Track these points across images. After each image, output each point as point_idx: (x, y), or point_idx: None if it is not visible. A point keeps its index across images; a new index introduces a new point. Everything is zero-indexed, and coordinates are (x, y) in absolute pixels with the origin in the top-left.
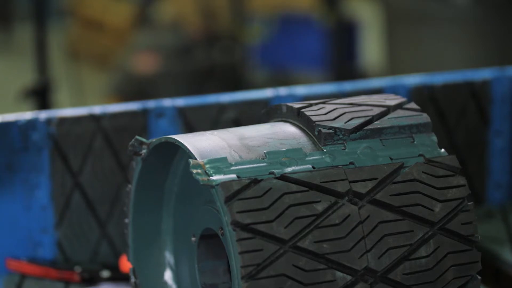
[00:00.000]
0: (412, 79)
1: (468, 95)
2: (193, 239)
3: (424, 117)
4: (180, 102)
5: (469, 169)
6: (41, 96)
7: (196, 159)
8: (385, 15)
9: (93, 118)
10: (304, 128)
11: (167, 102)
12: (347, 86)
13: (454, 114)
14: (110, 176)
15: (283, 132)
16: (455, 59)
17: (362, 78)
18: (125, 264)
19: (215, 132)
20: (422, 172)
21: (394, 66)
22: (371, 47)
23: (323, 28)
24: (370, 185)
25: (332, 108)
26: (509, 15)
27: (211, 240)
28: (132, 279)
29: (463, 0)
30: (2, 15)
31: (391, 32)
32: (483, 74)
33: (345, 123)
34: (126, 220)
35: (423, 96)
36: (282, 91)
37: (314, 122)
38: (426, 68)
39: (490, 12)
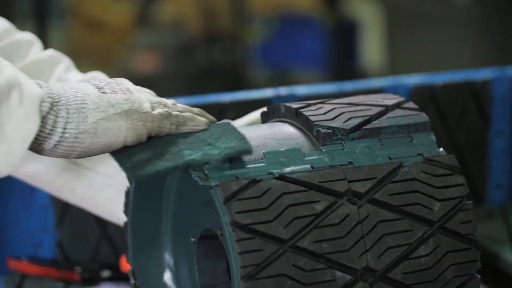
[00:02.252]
0: (413, 79)
1: (469, 95)
2: (192, 240)
3: (423, 116)
4: (181, 101)
5: (470, 169)
6: None
7: None
8: (385, 15)
9: None
10: (303, 128)
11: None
12: (348, 86)
13: (455, 114)
14: None
15: (282, 132)
16: (455, 59)
17: (362, 78)
18: (126, 264)
19: None
20: (421, 171)
21: (394, 66)
22: (371, 47)
23: (323, 28)
24: (369, 184)
25: (330, 108)
26: (509, 15)
27: (210, 241)
28: (132, 281)
29: (463, 0)
30: (3, 15)
31: (391, 32)
32: (484, 74)
33: (344, 122)
34: (125, 221)
35: (423, 96)
36: (283, 90)
37: (312, 122)
38: (426, 68)
39: (490, 12)
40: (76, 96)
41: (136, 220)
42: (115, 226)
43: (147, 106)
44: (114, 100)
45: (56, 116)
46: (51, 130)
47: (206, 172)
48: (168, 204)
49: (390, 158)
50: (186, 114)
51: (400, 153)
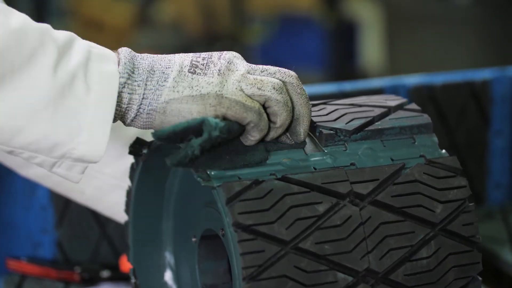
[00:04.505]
0: (412, 79)
1: (468, 95)
2: (193, 239)
3: (425, 118)
4: None
5: (469, 169)
6: None
7: None
8: (385, 15)
9: None
10: None
11: None
12: (347, 86)
13: (454, 114)
14: None
15: None
16: (455, 59)
17: (362, 78)
18: (125, 264)
19: None
20: (423, 173)
21: (394, 66)
22: (371, 47)
23: (323, 28)
24: (371, 186)
25: (333, 109)
26: (509, 15)
27: (211, 241)
28: (132, 280)
29: (463, 0)
30: None
31: (391, 32)
32: (483, 74)
33: (346, 124)
34: (126, 220)
35: (423, 96)
36: None
37: (315, 123)
38: (426, 68)
39: (490, 12)
40: (164, 72)
41: (137, 219)
42: (115, 226)
43: (229, 91)
44: (196, 82)
45: (132, 94)
46: (128, 106)
47: (208, 172)
48: (169, 204)
49: (392, 160)
50: (266, 124)
51: (403, 155)
